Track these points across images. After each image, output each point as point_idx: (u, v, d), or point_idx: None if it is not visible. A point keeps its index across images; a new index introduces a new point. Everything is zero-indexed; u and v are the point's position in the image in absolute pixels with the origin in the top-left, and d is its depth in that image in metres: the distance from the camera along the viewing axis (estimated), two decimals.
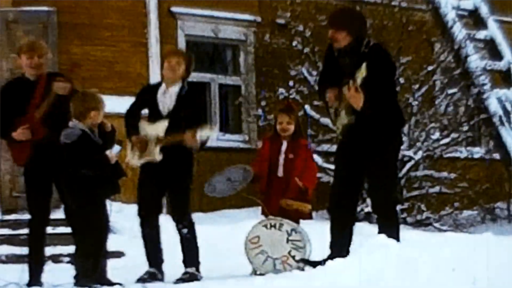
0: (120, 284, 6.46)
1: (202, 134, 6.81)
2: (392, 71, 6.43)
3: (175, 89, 6.93)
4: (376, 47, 6.37)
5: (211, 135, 7.04)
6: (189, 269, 6.87)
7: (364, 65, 6.04)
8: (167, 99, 6.93)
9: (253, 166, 7.24)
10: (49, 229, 7.63)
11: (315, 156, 8.82)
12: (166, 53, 7.33)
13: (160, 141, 6.83)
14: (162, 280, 6.87)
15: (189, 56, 7.25)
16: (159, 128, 6.85)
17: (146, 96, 7.06)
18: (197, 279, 6.79)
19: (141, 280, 6.76)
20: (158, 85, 7.06)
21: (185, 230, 6.92)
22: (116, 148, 6.38)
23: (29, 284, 6.65)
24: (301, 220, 7.10)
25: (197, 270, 6.91)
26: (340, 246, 6.26)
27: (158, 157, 6.84)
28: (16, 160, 6.87)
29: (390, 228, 6.08)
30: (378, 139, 6.19)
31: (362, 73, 6.04)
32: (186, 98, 6.92)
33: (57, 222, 7.11)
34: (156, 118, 6.90)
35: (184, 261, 6.92)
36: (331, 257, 6.09)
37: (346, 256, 5.81)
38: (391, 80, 6.40)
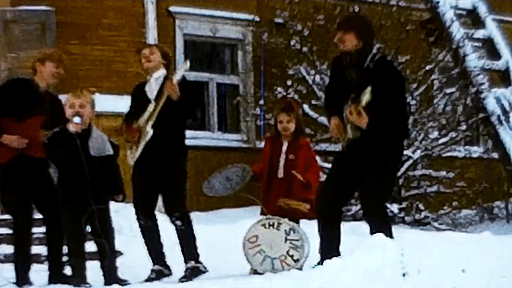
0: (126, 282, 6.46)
1: (177, 75, 6.91)
2: (400, 86, 6.35)
3: (159, 74, 7.07)
4: (382, 61, 6.32)
5: (185, 68, 7.09)
6: (189, 264, 6.89)
7: (368, 89, 5.97)
8: (153, 84, 7.06)
9: (255, 165, 7.25)
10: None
11: None
12: (138, 48, 7.39)
13: (150, 118, 6.90)
14: (170, 274, 6.91)
15: (162, 48, 7.36)
16: (149, 110, 6.93)
17: (138, 94, 7.16)
18: (202, 272, 6.85)
19: (149, 279, 6.79)
20: (144, 83, 7.16)
21: (179, 222, 6.93)
22: (76, 119, 6.31)
23: (17, 284, 6.64)
24: (300, 220, 7.11)
25: (198, 262, 6.92)
26: (328, 249, 6.22)
27: (149, 133, 6.87)
28: None
29: (381, 230, 6.03)
30: (381, 149, 6.17)
31: (365, 97, 5.99)
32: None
33: None
34: (145, 107, 6.97)
35: (183, 255, 6.97)
36: (321, 261, 6.06)
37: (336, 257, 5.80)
38: (400, 95, 6.32)
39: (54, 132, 6.33)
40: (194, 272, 6.85)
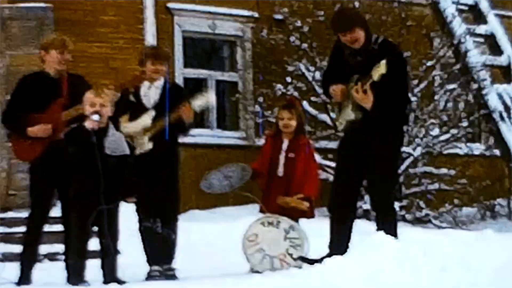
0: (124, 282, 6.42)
1: (197, 103, 6.89)
2: (405, 67, 6.42)
3: (159, 83, 7.02)
4: (387, 43, 6.36)
5: (209, 101, 7.09)
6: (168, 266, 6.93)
7: (383, 62, 5.98)
8: (152, 92, 7.00)
9: (255, 163, 7.22)
10: (46, 227, 7.60)
11: None
12: (146, 53, 7.29)
13: (148, 130, 6.84)
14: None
15: (167, 53, 7.35)
16: (146, 119, 6.88)
17: (129, 94, 7.04)
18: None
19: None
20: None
21: (173, 236, 6.96)
22: (95, 116, 6.27)
23: (19, 282, 6.65)
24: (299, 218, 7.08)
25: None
26: (339, 245, 6.24)
27: (148, 146, 6.85)
28: (21, 155, 6.86)
29: (388, 225, 6.07)
30: (382, 135, 6.17)
31: (380, 70, 5.98)
32: (171, 91, 7.00)
33: (53, 220, 7.07)
34: (138, 113, 6.90)
35: (162, 258, 6.95)
36: (329, 255, 6.05)
37: (344, 254, 5.78)
38: (404, 76, 6.38)
39: (72, 128, 6.35)
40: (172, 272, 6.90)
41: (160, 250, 6.94)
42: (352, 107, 6.22)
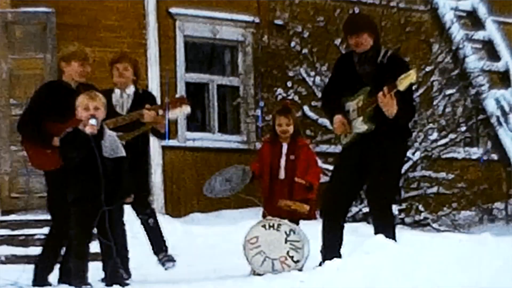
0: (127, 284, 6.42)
1: (173, 115, 7.06)
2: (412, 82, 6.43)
3: (130, 90, 7.20)
4: (395, 58, 6.41)
5: (185, 112, 7.22)
6: (161, 255, 7.18)
7: (413, 72, 6.03)
8: (124, 100, 7.16)
9: (253, 165, 7.24)
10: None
11: None
12: (111, 59, 7.36)
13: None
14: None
15: (135, 60, 7.38)
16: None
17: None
18: (174, 260, 7.16)
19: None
20: (110, 91, 7.14)
21: (151, 220, 7.17)
22: (93, 121, 6.23)
23: (36, 284, 6.60)
24: (300, 221, 7.12)
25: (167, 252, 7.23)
26: (330, 250, 6.24)
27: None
28: (41, 164, 6.75)
29: (386, 232, 6.05)
30: (388, 146, 6.19)
31: (409, 79, 6.01)
32: (143, 97, 7.19)
33: None
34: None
35: (153, 249, 7.24)
36: (322, 261, 6.09)
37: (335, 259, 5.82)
38: (412, 91, 6.44)
39: (68, 133, 6.28)
40: (170, 258, 7.14)
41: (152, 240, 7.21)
42: (364, 118, 6.24)
